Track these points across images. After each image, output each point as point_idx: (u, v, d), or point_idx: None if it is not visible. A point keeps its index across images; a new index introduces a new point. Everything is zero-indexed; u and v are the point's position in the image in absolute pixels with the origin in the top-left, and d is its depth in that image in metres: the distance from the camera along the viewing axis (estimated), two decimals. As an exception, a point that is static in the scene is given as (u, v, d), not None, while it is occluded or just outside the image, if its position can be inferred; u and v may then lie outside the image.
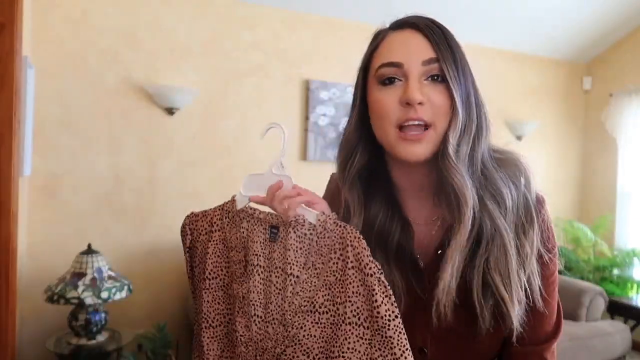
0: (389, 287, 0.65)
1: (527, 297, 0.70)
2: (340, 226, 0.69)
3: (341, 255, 0.68)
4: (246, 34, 2.75)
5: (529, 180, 0.73)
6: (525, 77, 3.67)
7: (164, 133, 2.56)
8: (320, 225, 0.70)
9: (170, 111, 2.53)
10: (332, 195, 0.86)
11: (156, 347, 2.23)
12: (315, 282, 0.69)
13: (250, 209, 0.76)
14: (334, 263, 0.68)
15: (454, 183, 0.67)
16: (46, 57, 2.28)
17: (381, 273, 0.65)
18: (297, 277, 0.70)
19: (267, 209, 0.76)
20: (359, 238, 0.67)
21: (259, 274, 0.73)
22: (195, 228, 0.80)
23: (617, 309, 3.13)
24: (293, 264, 0.70)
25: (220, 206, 0.79)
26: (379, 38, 0.75)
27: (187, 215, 0.81)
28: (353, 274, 0.66)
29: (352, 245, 0.67)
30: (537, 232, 0.72)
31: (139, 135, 2.50)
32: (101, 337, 2.01)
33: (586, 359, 2.58)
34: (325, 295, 0.68)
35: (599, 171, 3.83)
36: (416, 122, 0.68)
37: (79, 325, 1.95)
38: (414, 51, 0.69)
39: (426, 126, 0.68)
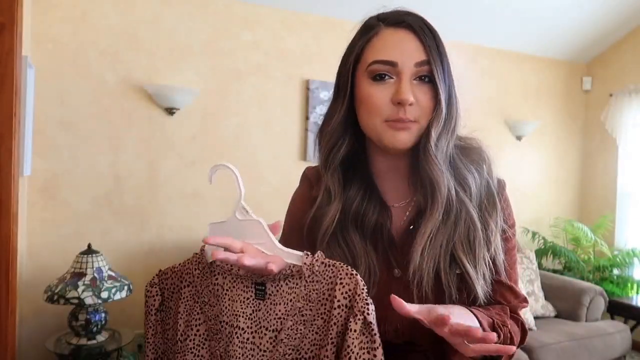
0: (374, 329, 0.61)
1: (492, 271, 0.77)
2: (329, 265, 0.65)
3: (329, 296, 0.64)
4: (246, 34, 2.75)
5: (491, 167, 0.81)
6: (525, 77, 3.67)
7: (164, 133, 2.56)
8: (307, 269, 0.65)
9: (170, 111, 2.52)
10: (310, 185, 0.88)
11: (156, 347, 2.23)
12: (301, 330, 0.65)
13: (227, 265, 0.69)
14: (322, 305, 0.65)
15: (432, 175, 0.74)
16: (46, 57, 2.28)
17: (370, 313, 0.62)
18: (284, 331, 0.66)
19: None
20: (351, 274, 0.64)
21: (237, 337, 0.67)
22: (166, 287, 0.74)
23: (617, 309, 3.13)
24: (285, 319, 0.66)
25: (189, 259, 0.73)
26: (372, 32, 0.77)
27: (156, 274, 0.75)
28: (338, 313, 0.63)
29: (341, 283, 0.64)
30: (500, 212, 0.79)
31: (139, 135, 2.50)
32: (101, 337, 2.01)
33: (586, 359, 2.58)
34: (312, 340, 0.65)
35: (599, 171, 3.83)
36: (404, 121, 0.73)
37: (79, 325, 1.95)
38: (408, 52, 0.73)
39: (412, 122, 0.74)
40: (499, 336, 0.70)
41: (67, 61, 2.34)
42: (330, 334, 0.63)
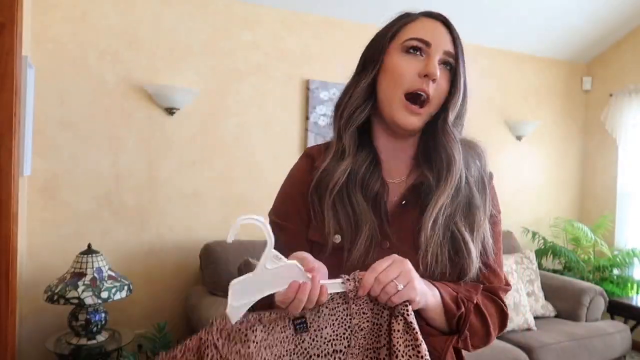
0: (415, 328, 0.66)
1: (482, 253, 0.83)
2: None
3: (374, 305, 0.68)
4: (246, 34, 2.75)
5: (484, 161, 0.90)
6: (525, 77, 3.67)
7: (164, 133, 2.56)
8: (352, 292, 0.68)
9: (170, 111, 2.53)
10: (312, 160, 0.91)
11: (156, 347, 2.23)
12: (362, 344, 0.69)
13: (253, 316, 0.66)
14: (369, 309, 0.68)
15: (449, 150, 0.82)
16: (46, 57, 2.28)
17: (409, 313, 0.66)
18: (342, 351, 0.68)
19: None
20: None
21: None
22: None
23: (617, 309, 3.13)
24: (336, 340, 0.68)
25: (203, 331, 0.66)
26: (411, 17, 0.87)
27: None
28: (385, 318, 0.67)
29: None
30: (489, 199, 0.88)
31: (139, 135, 2.50)
32: (101, 337, 2.01)
33: (586, 359, 2.58)
34: (363, 345, 0.68)
35: (599, 171, 3.83)
36: (422, 95, 0.81)
37: (79, 325, 1.95)
38: (441, 39, 0.83)
39: (425, 102, 0.81)
40: (458, 309, 0.76)
41: (67, 61, 2.34)
42: (385, 337, 0.67)
